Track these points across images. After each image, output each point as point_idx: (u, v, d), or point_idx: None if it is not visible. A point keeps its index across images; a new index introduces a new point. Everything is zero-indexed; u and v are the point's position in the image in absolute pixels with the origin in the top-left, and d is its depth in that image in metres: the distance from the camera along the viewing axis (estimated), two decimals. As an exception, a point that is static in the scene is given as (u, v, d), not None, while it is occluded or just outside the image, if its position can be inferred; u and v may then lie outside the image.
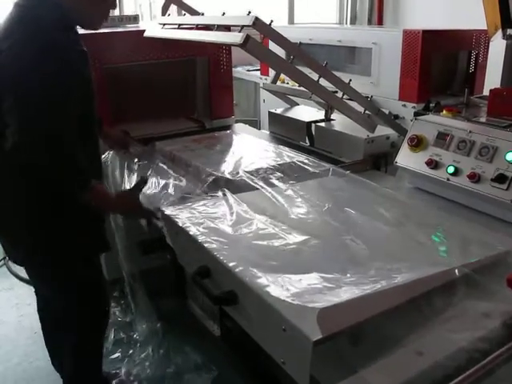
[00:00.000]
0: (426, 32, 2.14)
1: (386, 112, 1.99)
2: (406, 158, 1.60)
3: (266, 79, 2.94)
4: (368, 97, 2.11)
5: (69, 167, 1.30)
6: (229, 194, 1.44)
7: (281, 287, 0.96)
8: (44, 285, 1.61)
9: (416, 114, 1.71)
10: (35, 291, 1.77)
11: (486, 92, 2.04)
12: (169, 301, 2.17)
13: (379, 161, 1.87)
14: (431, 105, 1.79)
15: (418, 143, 1.58)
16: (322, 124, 2.12)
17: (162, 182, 1.60)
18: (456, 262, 1.05)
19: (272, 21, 1.56)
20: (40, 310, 1.79)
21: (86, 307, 1.58)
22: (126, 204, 1.47)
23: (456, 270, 1.02)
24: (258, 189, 1.50)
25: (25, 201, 1.39)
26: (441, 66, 2.29)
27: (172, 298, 2.15)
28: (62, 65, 1.24)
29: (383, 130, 1.93)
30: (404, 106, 2.23)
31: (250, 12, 1.57)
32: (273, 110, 2.43)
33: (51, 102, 1.22)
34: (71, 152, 1.30)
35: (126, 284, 1.90)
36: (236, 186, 1.52)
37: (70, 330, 1.62)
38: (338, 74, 2.38)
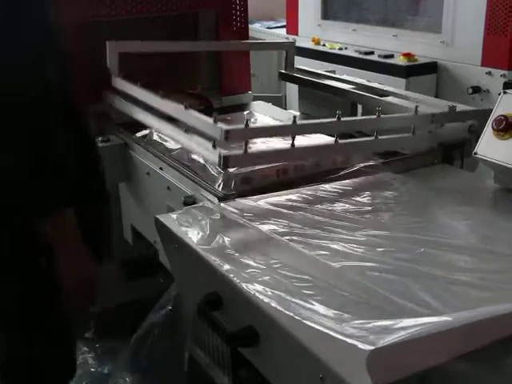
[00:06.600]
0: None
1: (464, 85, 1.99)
2: (491, 148, 1.60)
3: (294, 40, 2.98)
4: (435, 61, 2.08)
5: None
6: (248, 198, 1.48)
7: (320, 320, 0.99)
8: None
9: (507, 86, 1.70)
10: None
11: None
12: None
13: (452, 151, 1.88)
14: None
15: (507, 126, 1.58)
16: (372, 95, 2.07)
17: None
18: None
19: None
20: None
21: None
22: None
23: None
24: (284, 189, 1.54)
25: None
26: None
27: (165, 340, 2.19)
28: None
29: (457, 108, 1.93)
30: (489, 74, 2.22)
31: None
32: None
33: None
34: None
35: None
36: (256, 186, 1.57)
37: None
38: (395, 30, 2.40)
